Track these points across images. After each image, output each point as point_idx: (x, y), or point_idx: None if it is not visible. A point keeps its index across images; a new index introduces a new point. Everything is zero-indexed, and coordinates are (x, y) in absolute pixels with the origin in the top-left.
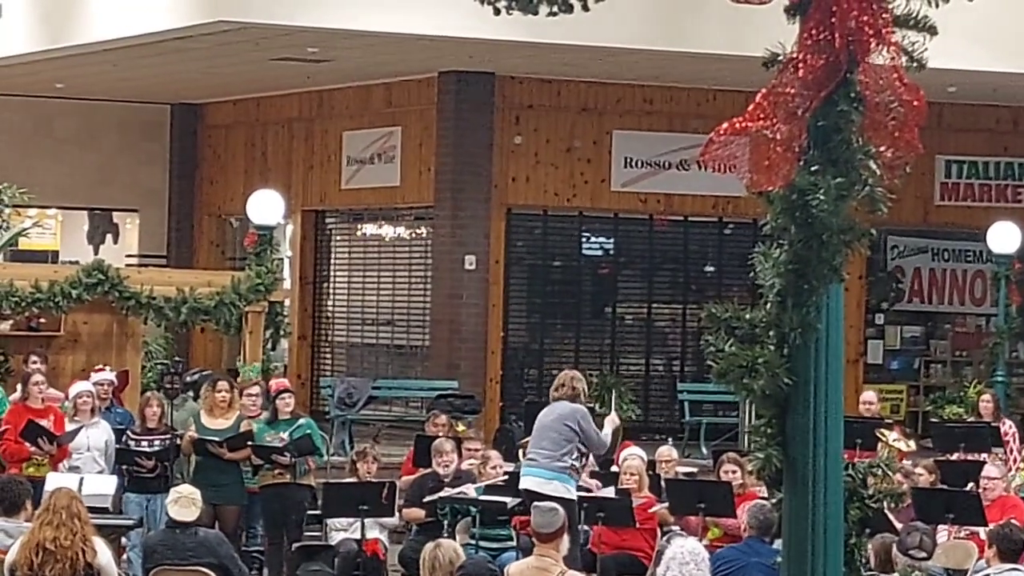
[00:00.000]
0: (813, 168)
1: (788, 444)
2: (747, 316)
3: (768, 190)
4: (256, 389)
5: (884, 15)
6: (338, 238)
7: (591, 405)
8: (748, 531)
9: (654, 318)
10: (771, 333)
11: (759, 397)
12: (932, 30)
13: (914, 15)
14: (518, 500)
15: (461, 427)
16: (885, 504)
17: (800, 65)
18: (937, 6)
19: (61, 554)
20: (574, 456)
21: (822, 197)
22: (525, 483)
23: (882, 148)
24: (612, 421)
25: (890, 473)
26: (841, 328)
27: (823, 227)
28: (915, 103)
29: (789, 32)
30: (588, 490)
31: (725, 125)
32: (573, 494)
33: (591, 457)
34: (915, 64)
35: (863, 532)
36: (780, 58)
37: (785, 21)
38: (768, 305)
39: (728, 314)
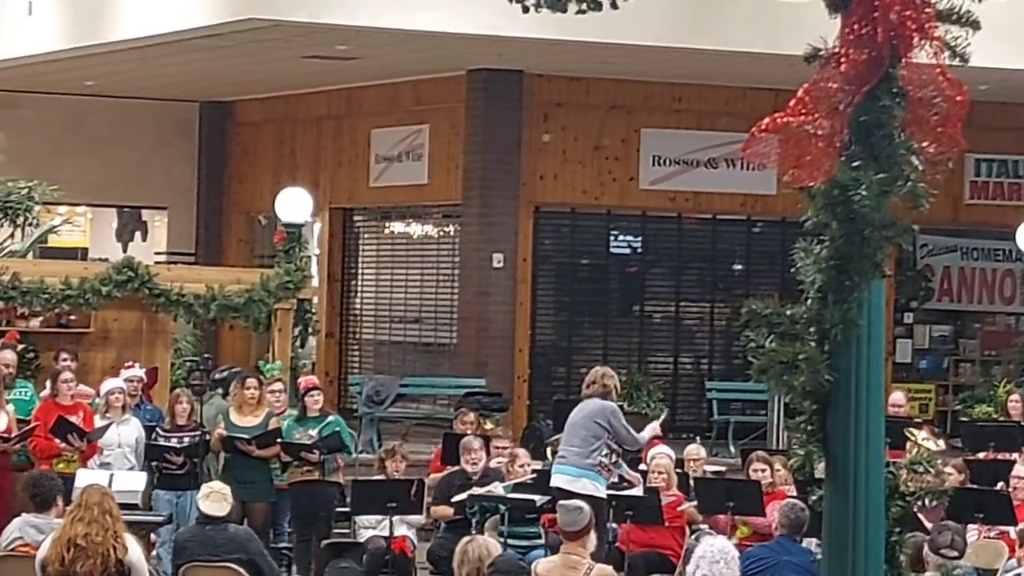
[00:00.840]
0: (855, 163)
1: (829, 441)
2: (788, 312)
3: (809, 185)
4: (279, 385)
5: (927, 10)
6: (366, 236)
7: (620, 404)
8: (779, 529)
9: (682, 316)
10: (812, 329)
11: (800, 393)
12: (975, 25)
13: (956, 10)
14: (547, 498)
15: (489, 425)
16: (919, 503)
17: (842, 60)
18: (981, 0)
19: (92, 550)
20: (603, 453)
21: (864, 192)
22: (555, 481)
23: (924, 143)
24: (654, 429)
25: (931, 471)
26: (883, 324)
27: (865, 223)
28: (958, 98)
29: (819, 30)
30: (629, 483)
31: (767, 120)
32: (602, 492)
33: None
34: (957, 59)
35: (903, 530)
36: (822, 53)
37: (815, 19)
38: (809, 301)
39: (769, 310)
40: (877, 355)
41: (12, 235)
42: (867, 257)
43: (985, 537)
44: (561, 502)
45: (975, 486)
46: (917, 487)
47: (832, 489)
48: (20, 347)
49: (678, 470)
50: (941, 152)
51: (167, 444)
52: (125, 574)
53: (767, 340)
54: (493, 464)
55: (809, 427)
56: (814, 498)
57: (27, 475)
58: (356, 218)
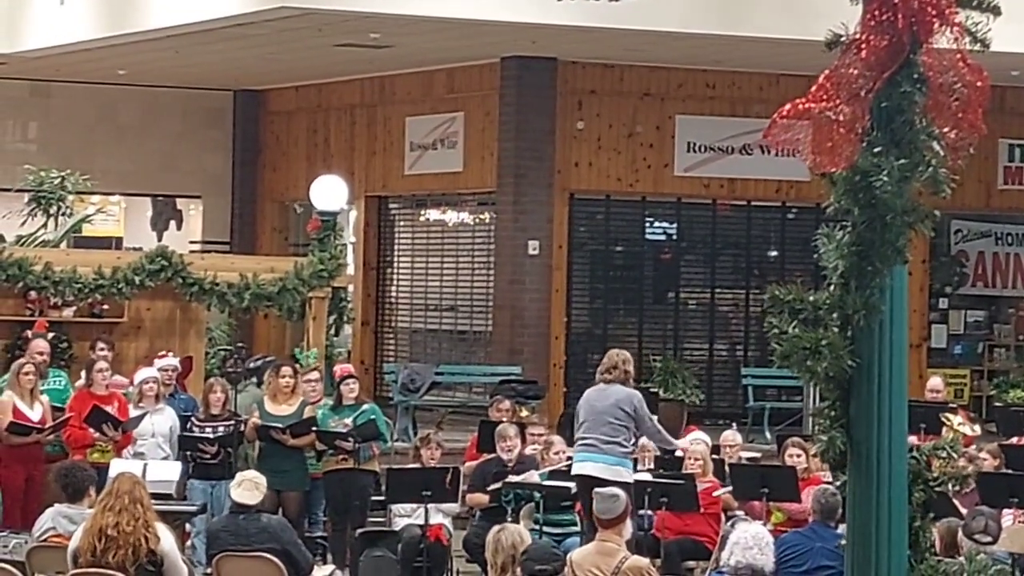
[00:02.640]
0: (876, 149)
1: (852, 426)
2: (811, 298)
3: (831, 171)
4: (314, 375)
5: None
6: (401, 224)
7: (655, 390)
8: (813, 515)
9: (717, 303)
10: (834, 315)
11: (822, 379)
12: (995, 11)
13: None
14: None
15: (525, 412)
16: (949, 488)
17: (863, 46)
18: None
19: (123, 540)
20: (631, 441)
21: (885, 178)
22: (584, 468)
23: (945, 129)
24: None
25: (955, 456)
26: (905, 310)
27: (886, 208)
28: (979, 84)
29: (850, 15)
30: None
31: (788, 106)
32: (631, 478)
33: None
34: (978, 45)
35: (927, 515)
36: (843, 39)
37: (846, 5)
38: (832, 287)
39: (791, 296)
40: (899, 340)
41: (45, 225)
42: (889, 243)
43: (1020, 522)
44: (597, 490)
45: (1010, 471)
46: (941, 472)
47: (855, 474)
48: (51, 335)
49: (714, 456)
50: (962, 138)
51: (201, 434)
52: (157, 564)
53: (790, 326)
54: (528, 451)
55: (832, 412)
56: (838, 484)
57: (59, 465)
58: (391, 206)
